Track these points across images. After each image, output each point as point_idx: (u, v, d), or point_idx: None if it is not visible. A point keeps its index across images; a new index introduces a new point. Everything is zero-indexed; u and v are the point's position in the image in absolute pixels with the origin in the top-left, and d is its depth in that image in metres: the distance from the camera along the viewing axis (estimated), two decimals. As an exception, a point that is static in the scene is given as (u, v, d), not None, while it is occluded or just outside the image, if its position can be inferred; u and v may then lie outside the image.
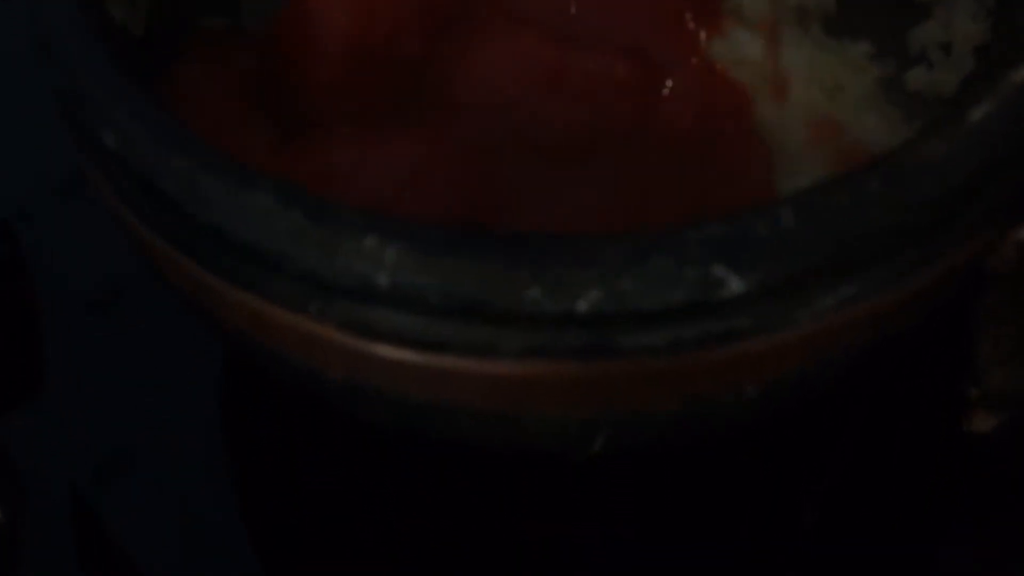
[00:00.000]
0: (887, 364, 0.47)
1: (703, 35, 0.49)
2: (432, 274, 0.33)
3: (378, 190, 0.44)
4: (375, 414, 0.38)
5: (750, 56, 0.49)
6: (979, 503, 0.47)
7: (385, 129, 0.46)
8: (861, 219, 0.33)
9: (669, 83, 0.47)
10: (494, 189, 0.45)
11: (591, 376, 0.34)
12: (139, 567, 0.47)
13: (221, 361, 0.52)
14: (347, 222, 0.34)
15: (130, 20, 0.47)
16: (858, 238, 0.33)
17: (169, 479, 0.49)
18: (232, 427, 0.51)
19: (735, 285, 0.33)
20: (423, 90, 0.48)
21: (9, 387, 0.53)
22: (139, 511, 0.48)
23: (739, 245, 0.33)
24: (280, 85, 0.48)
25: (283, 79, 0.48)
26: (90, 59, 0.38)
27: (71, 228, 0.55)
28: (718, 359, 0.34)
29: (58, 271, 0.55)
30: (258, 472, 0.51)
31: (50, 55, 0.39)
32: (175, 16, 0.50)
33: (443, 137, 0.45)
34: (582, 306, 0.33)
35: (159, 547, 0.47)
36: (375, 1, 0.49)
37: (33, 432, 0.51)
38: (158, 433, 0.50)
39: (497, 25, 0.48)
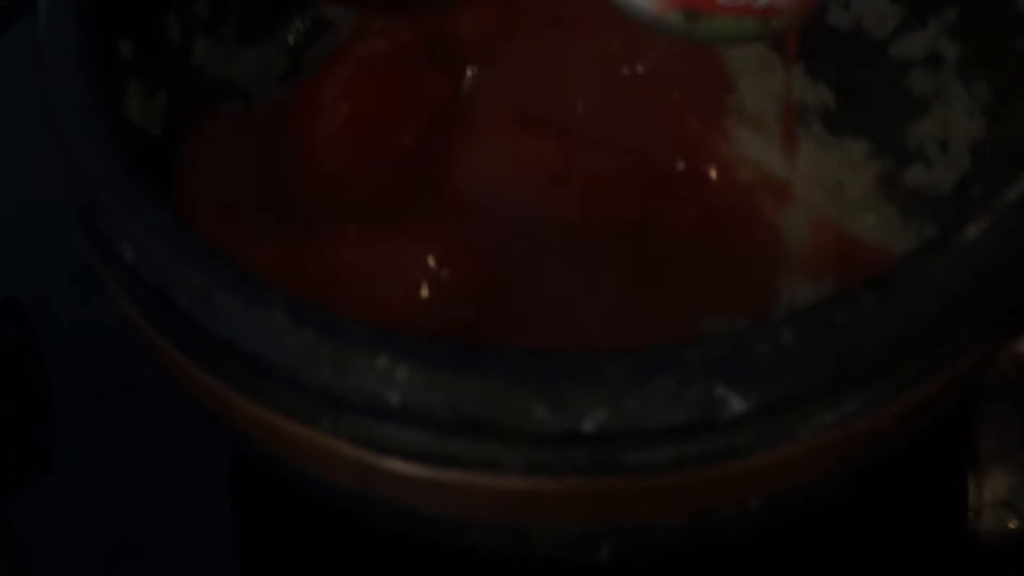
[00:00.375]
0: (889, 473, 0.47)
1: (706, 134, 0.49)
2: (441, 391, 0.33)
3: (386, 291, 0.45)
4: (383, 521, 0.39)
5: (753, 155, 0.49)
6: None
7: (391, 227, 0.47)
8: (860, 337, 0.34)
9: (672, 182, 0.48)
10: (500, 286, 0.45)
11: (596, 491, 0.34)
12: None
13: (230, 452, 0.52)
14: (358, 340, 0.34)
15: (148, 120, 0.47)
16: (857, 355, 0.34)
17: (177, 565, 0.49)
18: (240, 515, 0.52)
19: (737, 404, 0.33)
20: (427, 184, 0.48)
21: (19, 469, 0.53)
22: None
23: (740, 365, 0.33)
24: (285, 177, 0.49)
25: (288, 170, 0.49)
26: (108, 172, 0.39)
27: (87, 314, 0.55)
28: (721, 474, 0.34)
29: (73, 356, 0.55)
30: (265, 561, 0.51)
31: (68, 165, 0.40)
32: (190, 111, 0.50)
33: (449, 235, 0.46)
34: (587, 425, 0.33)
35: None
36: (375, 90, 0.50)
37: (42, 515, 0.51)
38: (167, 519, 0.50)
39: (501, 121, 0.49)
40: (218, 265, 0.36)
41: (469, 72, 0.52)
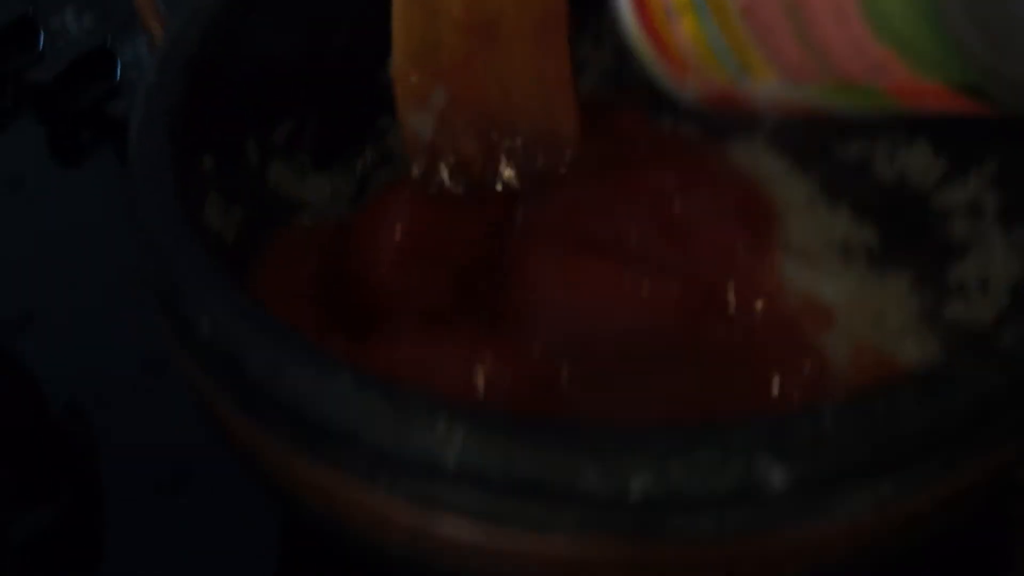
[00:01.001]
0: (921, 562, 0.48)
1: (754, 264, 0.51)
2: (495, 454, 0.35)
3: (442, 389, 0.46)
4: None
5: (798, 285, 0.51)
6: None
7: (447, 333, 0.49)
8: (895, 424, 0.35)
9: (720, 306, 0.50)
10: (549, 391, 0.47)
11: (641, 558, 0.36)
12: None
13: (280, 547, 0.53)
14: (418, 404, 0.36)
15: (224, 229, 0.50)
16: (891, 441, 0.35)
17: None
18: None
19: (777, 478, 0.35)
20: (483, 297, 0.50)
21: (69, 565, 0.54)
22: None
23: (782, 441, 0.35)
24: (348, 283, 0.51)
25: (351, 277, 0.51)
26: (189, 255, 0.41)
27: (144, 412, 0.57)
28: (760, 548, 0.36)
29: (129, 451, 0.57)
30: None
31: (151, 252, 0.42)
32: (262, 223, 0.53)
33: (502, 343, 0.48)
34: (633, 491, 0.35)
35: None
36: (435, 212, 0.52)
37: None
38: None
39: (558, 243, 0.51)
40: (289, 337, 0.39)
41: (526, 198, 0.54)
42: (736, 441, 0.35)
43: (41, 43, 0.74)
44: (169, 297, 0.42)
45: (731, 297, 0.50)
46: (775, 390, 0.47)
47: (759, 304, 0.50)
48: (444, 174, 0.54)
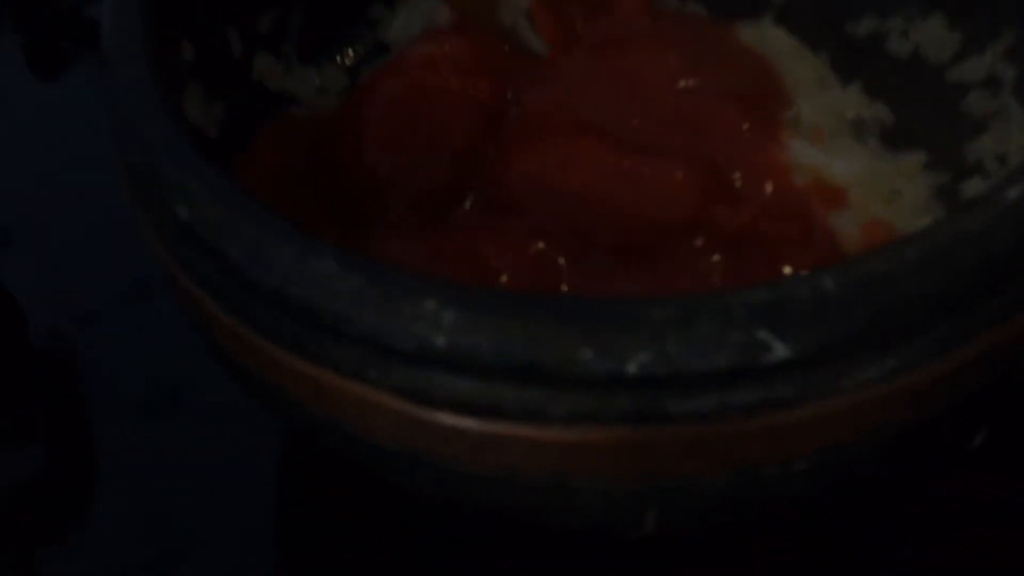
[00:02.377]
0: (948, 447, 0.48)
1: (761, 143, 0.51)
2: (487, 335, 0.35)
3: None
4: (425, 488, 0.40)
5: (808, 164, 0.51)
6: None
7: (445, 223, 0.49)
8: (900, 287, 0.35)
9: (726, 187, 0.50)
10: (551, 282, 0.47)
11: (639, 443, 0.36)
12: None
13: (277, 462, 0.54)
14: (406, 285, 0.36)
15: (206, 123, 0.50)
16: (897, 306, 0.35)
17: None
18: (288, 521, 0.53)
19: (779, 350, 0.35)
20: (481, 184, 0.51)
21: (65, 495, 0.55)
22: None
23: (782, 310, 0.35)
24: (339, 173, 0.52)
25: (342, 166, 0.52)
26: (167, 135, 0.41)
27: (129, 333, 0.57)
28: (764, 427, 0.36)
29: (114, 376, 0.57)
30: (312, 560, 0.52)
31: (128, 134, 0.42)
32: (247, 119, 0.53)
33: (501, 232, 0.48)
34: (631, 368, 0.35)
35: None
36: (427, 92, 0.52)
37: (88, 542, 0.53)
38: (211, 532, 0.52)
39: (557, 128, 0.51)
40: (270, 219, 0.38)
41: (522, 81, 0.54)
42: (734, 313, 0.35)
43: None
44: (147, 185, 0.42)
45: (738, 179, 0.50)
46: (786, 272, 0.48)
47: (768, 185, 0.50)
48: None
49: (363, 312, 0.36)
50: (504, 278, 0.47)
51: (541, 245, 0.48)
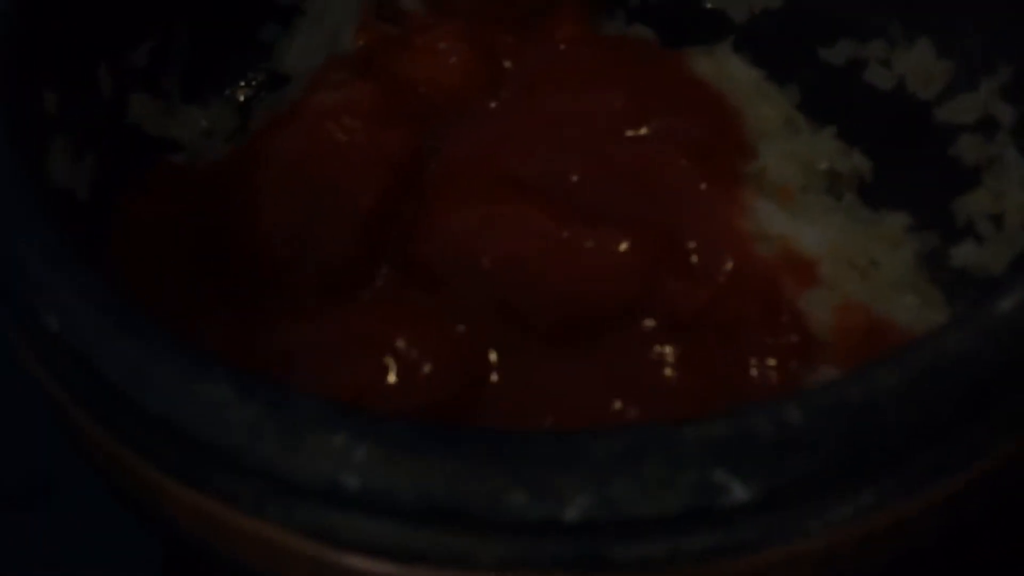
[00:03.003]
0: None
1: (720, 206, 0.52)
2: (405, 475, 0.36)
3: (348, 374, 0.47)
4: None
5: (774, 232, 0.52)
6: None
7: (352, 301, 0.50)
8: (875, 418, 0.36)
9: (680, 261, 0.51)
10: (475, 371, 0.48)
11: (581, 592, 0.37)
12: None
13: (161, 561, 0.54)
14: (312, 416, 0.37)
15: (75, 182, 0.51)
16: (872, 439, 0.37)
17: None
18: None
19: (738, 492, 0.36)
20: (393, 254, 0.51)
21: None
22: None
23: (741, 447, 0.36)
24: (230, 242, 0.52)
25: (233, 231, 0.52)
26: (29, 233, 0.42)
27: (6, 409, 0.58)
28: (721, 574, 0.37)
29: None
30: None
31: None
32: (123, 173, 0.54)
33: (418, 312, 0.49)
34: (570, 513, 0.36)
35: None
36: (330, 146, 0.53)
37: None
38: None
39: (479, 185, 0.52)
40: (153, 333, 0.39)
41: (439, 130, 0.54)
42: (688, 450, 0.36)
43: None
44: (8, 286, 0.42)
45: (694, 250, 0.51)
46: (749, 366, 0.49)
47: (728, 258, 0.51)
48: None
49: (263, 445, 0.37)
50: (427, 368, 0.47)
51: (462, 328, 0.49)
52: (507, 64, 0.57)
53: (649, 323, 0.49)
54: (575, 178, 0.52)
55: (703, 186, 0.52)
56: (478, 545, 0.37)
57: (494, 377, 0.48)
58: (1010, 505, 0.42)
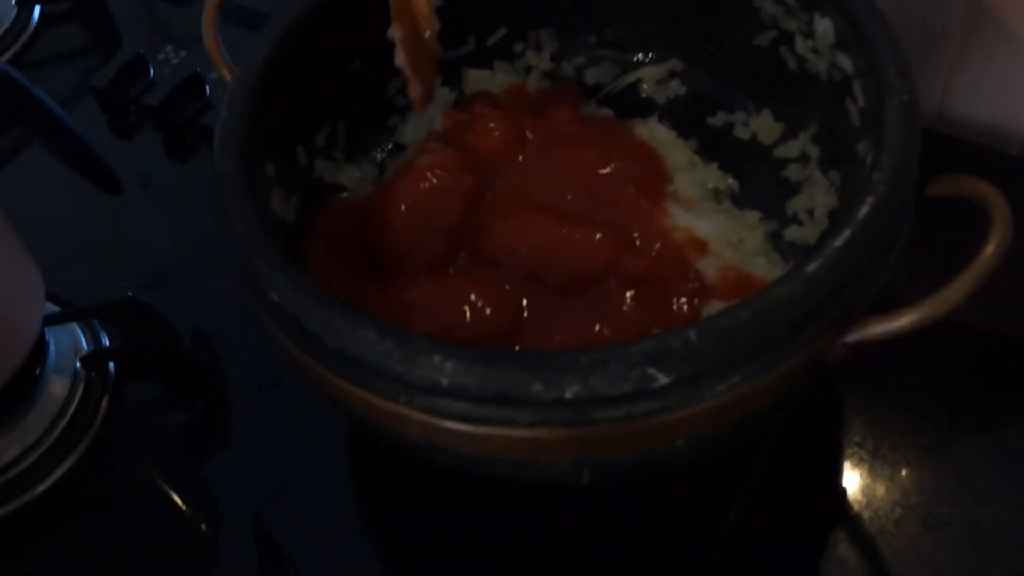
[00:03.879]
0: (773, 424, 0.50)
1: (653, 212, 0.52)
2: (474, 377, 0.37)
3: (443, 317, 0.48)
4: (442, 462, 0.42)
5: (683, 225, 0.52)
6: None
7: (444, 275, 0.50)
8: (739, 336, 0.37)
9: (630, 244, 0.51)
10: (518, 312, 0.49)
11: (575, 437, 0.38)
12: (295, 562, 0.50)
13: (348, 426, 0.55)
14: (421, 346, 0.38)
15: (286, 213, 0.51)
16: (737, 347, 0.37)
17: (312, 501, 0.52)
18: (356, 464, 0.54)
19: (662, 379, 0.37)
20: (467, 248, 0.52)
21: (212, 443, 0.56)
22: (292, 523, 0.51)
23: (663, 354, 0.37)
24: (374, 246, 0.52)
25: (375, 238, 0.52)
26: (262, 249, 0.43)
27: (247, 338, 0.57)
28: (655, 424, 0.38)
29: (240, 366, 0.59)
30: (371, 492, 0.54)
31: (234, 241, 0.44)
32: (313, 205, 0.54)
33: (482, 280, 0.49)
34: (568, 395, 0.37)
35: (310, 546, 0.50)
36: (429, 186, 0.53)
37: (228, 474, 0.55)
38: (305, 471, 0.53)
39: (516, 206, 0.52)
40: (332, 301, 0.40)
41: (492, 175, 0.55)
42: (633, 358, 0.37)
43: (152, 74, 0.74)
44: (248, 275, 0.43)
45: (638, 238, 0.51)
46: (672, 303, 0.49)
47: (656, 242, 0.51)
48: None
49: (395, 363, 0.38)
50: (488, 311, 0.48)
51: (508, 288, 0.49)
52: (529, 135, 0.57)
53: (613, 283, 0.50)
54: (569, 199, 0.53)
55: (642, 201, 0.52)
56: (517, 414, 0.38)
57: (526, 315, 0.49)
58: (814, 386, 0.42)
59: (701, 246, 0.51)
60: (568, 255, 0.50)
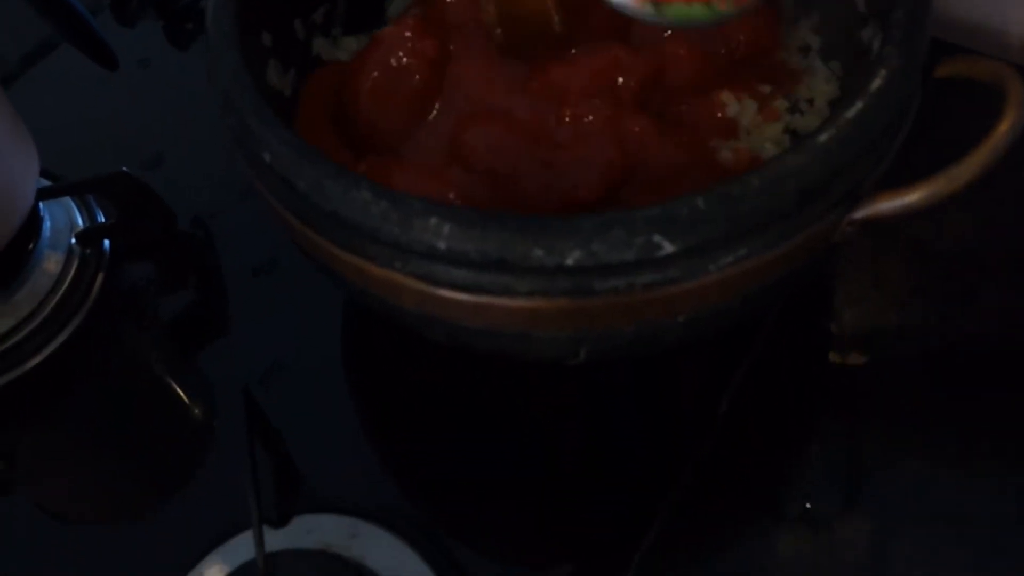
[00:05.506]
0: (773, 306, 0.47)
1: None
2: (474, 241, 0.34)
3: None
4: (437, 335, 0.39)
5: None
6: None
7: (423, 164, 0.45)
8: (747, 204, 0.34)
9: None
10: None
11: (575, 308, 0.35)
12: (285, 435, 0.47)
13: (341, 306, 0.52)
14: (418, 208, 0.34)
15: (283, 86, 0.47)
16: (745, 216, 0.34)
17: (306, 380, 0.49)
18: (348, 345, 0.51)
19: (667, 247, 0.33)
20: (438, 137, 0.47)
21: (206, 323, 0.53)
22: (285, 401, 0.48)
23: (670, 220, 0.33)
24: (348, 114, 0.48)
25: (349, 109, 0.48)
26: (255, 108, 0.39)
27: (243, 220, 0.55)
28: (658, 296, 0.34)
29: (236, 249, 0.55)
30: (363, 371, 0.50)
31: (227, 106, 0.40)
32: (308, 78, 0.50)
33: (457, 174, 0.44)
34: (569, 261, 0.33)
35: (299, 422, 0.47)
36: (392, 55, 0.48)
37: (220, 352, 0.52)
38: (298, 352, 0.50)
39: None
40: (323, 161, 0.36)
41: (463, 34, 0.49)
42: (637, 224, 0.33)
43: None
44: (242, 138, 0.39)
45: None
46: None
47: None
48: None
49: (390, 226, 0.35)
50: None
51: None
52: None
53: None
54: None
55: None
56: (516, 282, 0.34)
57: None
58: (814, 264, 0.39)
59: (730, 130, 0.47)
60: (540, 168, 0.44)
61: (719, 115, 0.47)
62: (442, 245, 0.34)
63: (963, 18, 0.59)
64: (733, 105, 0.47)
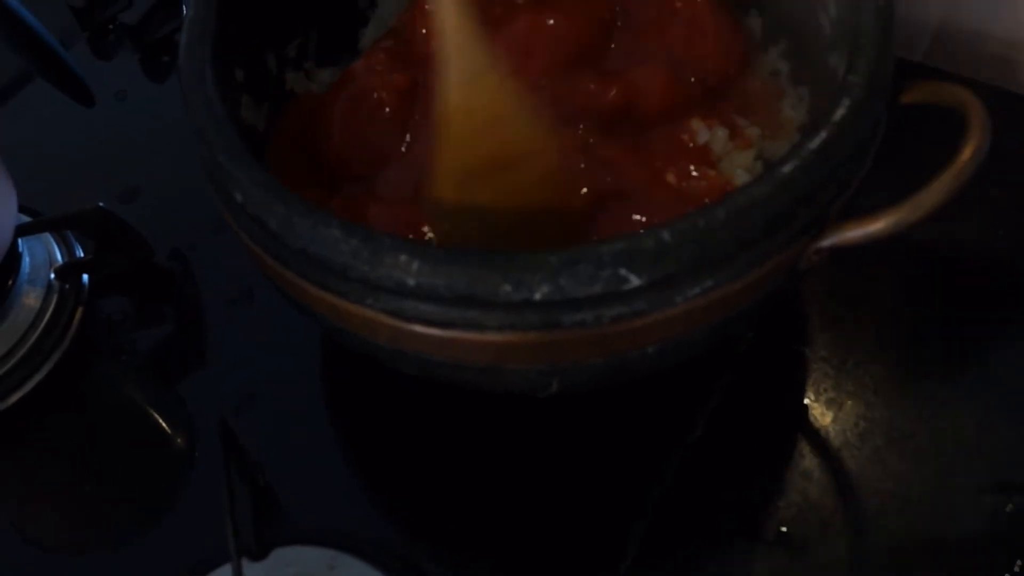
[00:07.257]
0: (743, 334, 0.47)
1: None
2: (441, 277, 0.34)
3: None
4: (409, 368, 0.38)
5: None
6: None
7: (396, 196, 0.45)
8: (713, 236, 0.34)
9: None
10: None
11: (544, 342, 0.35)
12: (263, 466, 0.47)
13: (318, 336, 0.52)
14: (387, 245, 0.34)
15: (256, 121, 0.47)
16: (711, 248, 0.34)
17: (283, 411, 0.49)
18: (326, 376, 0.51)
19: (634, 281, 0.33)
20: (410, 168, 0.46)
21: (184, 355, 0.53)
22: (263, 432, 0.48)
23: (636, 254, 0.33)
24: (319, 148, 0.48)
25: (320, 144, 0.48)
26: (226, 145, 0.39)
27: (221, 252, 0.55)
28: (626, 329, 0.34)
29: (213, 280, 0.55)
30: (341, 401, 0.50)
31: (202, 143, 0.40)
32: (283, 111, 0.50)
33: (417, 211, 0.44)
34: (537, 296, 0.33)
35: (277, 454, 0.47)
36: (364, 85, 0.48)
37: (198, 383, 0.52)
38: (276, 382, 0.50)
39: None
40: (295, 200, 0.36)
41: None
42: (604, 258, 0.33)
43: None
44: (214, 175, 0.39)
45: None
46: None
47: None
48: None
49: (360, 263, 0.35)
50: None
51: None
52: None
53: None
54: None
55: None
56: (485, 317, 0.34)
57: None
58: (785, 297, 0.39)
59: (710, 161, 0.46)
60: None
61: (691, 144, 0.47)
62: (411, 281, 0.34)
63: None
64: (703, 132, 0.47)
